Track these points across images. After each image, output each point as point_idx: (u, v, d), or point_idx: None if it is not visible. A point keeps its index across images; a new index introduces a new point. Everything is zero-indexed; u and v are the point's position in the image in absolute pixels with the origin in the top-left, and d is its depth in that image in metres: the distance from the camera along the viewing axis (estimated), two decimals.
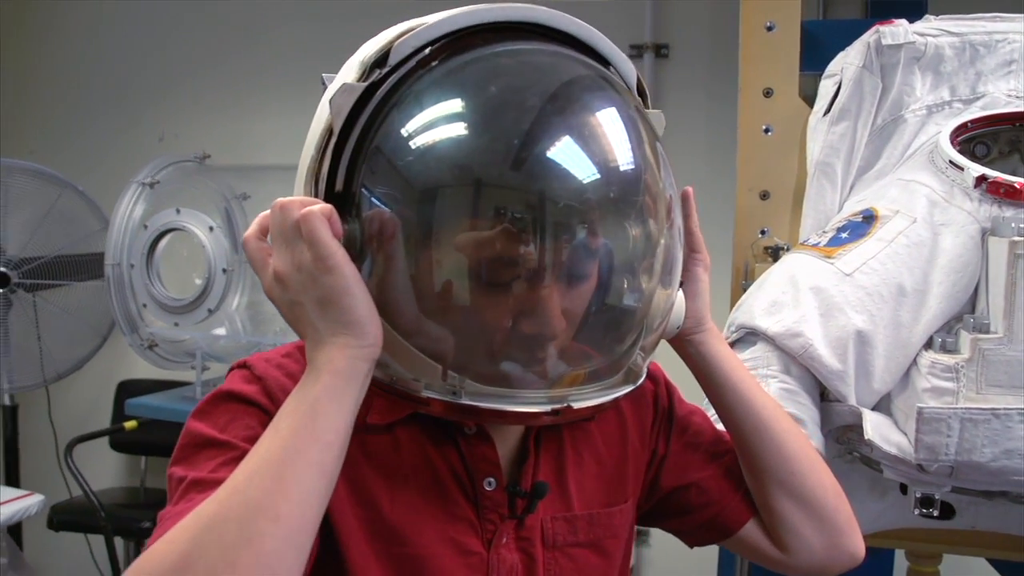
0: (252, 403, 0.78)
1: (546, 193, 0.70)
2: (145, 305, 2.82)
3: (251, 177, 3.06)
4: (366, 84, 0.72)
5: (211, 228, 2.75)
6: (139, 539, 3.39)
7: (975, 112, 1.30)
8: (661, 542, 3.13)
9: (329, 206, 0.69)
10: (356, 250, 0.70)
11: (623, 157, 0.74)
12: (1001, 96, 1.32)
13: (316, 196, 0.73)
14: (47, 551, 3.62)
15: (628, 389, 0.80)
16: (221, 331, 2.89)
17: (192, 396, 2.80)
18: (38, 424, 3.59)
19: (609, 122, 0.75)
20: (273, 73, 3.47)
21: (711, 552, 1.78)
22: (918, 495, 1.13)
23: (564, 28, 0.78)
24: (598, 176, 0.72)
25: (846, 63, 1.42)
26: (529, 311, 0.71)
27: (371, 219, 0.70)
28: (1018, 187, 1.10)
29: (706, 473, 0.98)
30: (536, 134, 0.70)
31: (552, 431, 0.90)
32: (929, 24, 1.39)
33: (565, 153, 0.71)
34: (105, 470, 3.72)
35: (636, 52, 3.01)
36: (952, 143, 1.24)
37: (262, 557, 0.61)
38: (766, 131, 1.62)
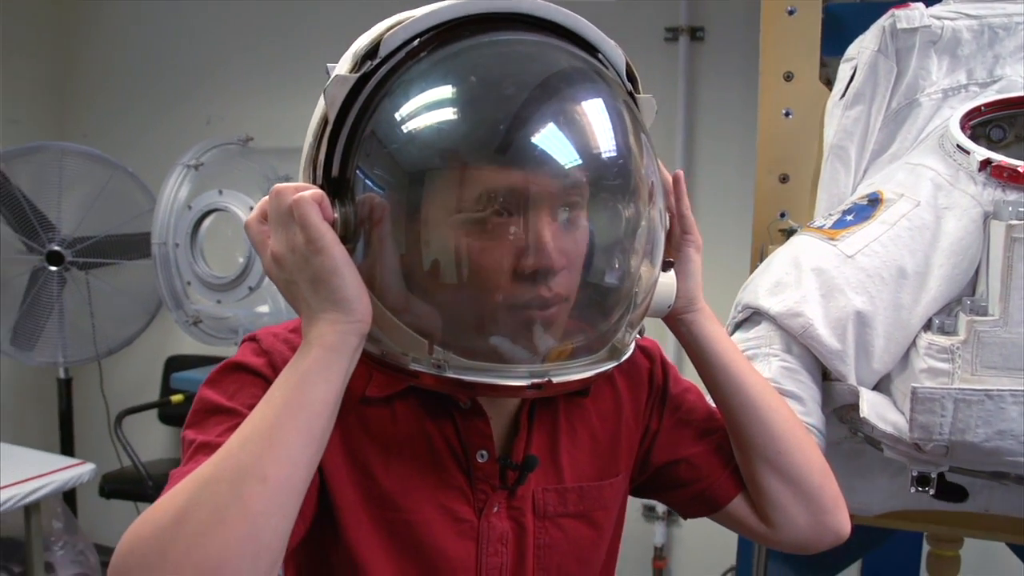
0: (258, 374, 0.84)
1: (528, 175, 0.73)
2: (189, 283, 2.91)
3: (292, 159, 3.08)
4: (358, 75, 0.76)
5: (251, 208, 2.82)
6: None
7: (989, 96, 1.30)
8: (692, 521, 3.15)
9: (320, 191, 0.74)
10: (351, 232, 0.75)
11: (603, 141, 0.78)
12: (1018, 79, 1.32)
13: (314, 182, 0.78)
14: (98, 517, 3.76)
15: (610, 365, 0.83)
16: (264, 308, 2.97)
17: None
18: (91, 397, 3.73)
19: (589, 108, 0.78)
20: (315, 57, 3.52)
21: (734, 534, 1.82)
22: (914, 473, 1.14)
23: (550, 17, 0.80)
24: (578, 159, 0.75)
25: (862, 47, 1.42)
26: (517, 281, 0.75)
27: (363, 202, 0.75)
28: (1021, 171, 1.10)
29: (696, 449, 1.01)
30: (518, 120, 0.74)
31: (546, 406, 0.93)
32: (947, 7, 1.38)
33: (546, 137, 0.74)
34: (153, 442, 3.84)
35: (671, 35, 3.01)
36: (964, 127, 1.24)
37: (249, 515, 0.66)
38: (786, 115, 1.63)
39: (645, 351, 1.03)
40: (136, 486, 3.38)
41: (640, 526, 3.19)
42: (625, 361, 0.86)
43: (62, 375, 3.62)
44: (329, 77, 0.83)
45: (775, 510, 0.96)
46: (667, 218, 0.90)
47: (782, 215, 1.63)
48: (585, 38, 0.83)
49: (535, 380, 0.77)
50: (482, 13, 0.78)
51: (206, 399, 0.83)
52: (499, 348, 0.77)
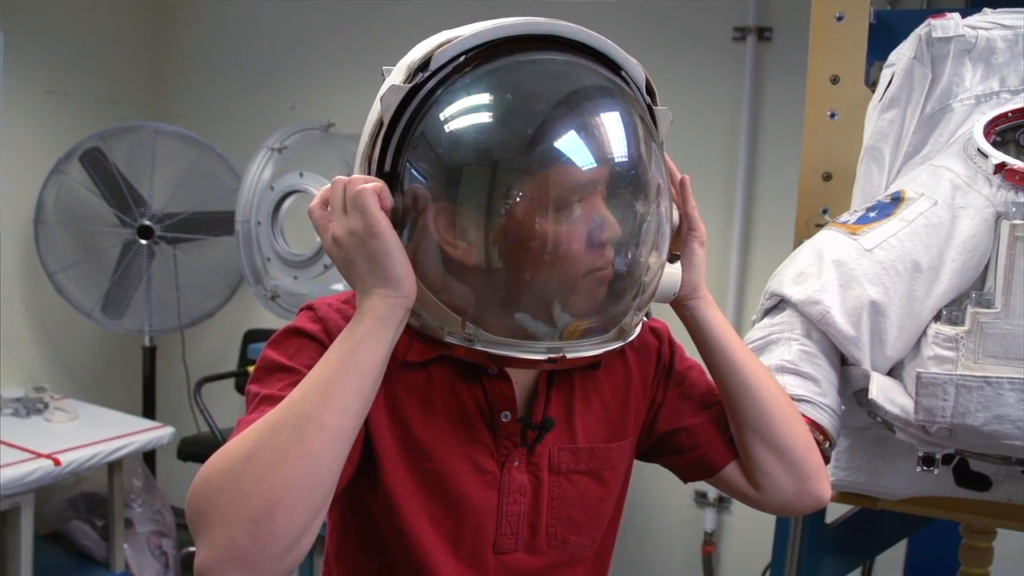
0: (314, 339, 0.96)
1: (551, 175, 0.85)
2: (269, 259, 3.08)
3: None
4: (410, 85, 0.88)
5: None
6: None
7: (1018, 102, 1.36)
8: (741, 509, 3.23)
9: (381, 183, 0.87)
10: (399, 219, 0.87)
11: (617, 149, 0.89)
12: None
13: (369, 175, 0.90)
14: (176, 479, 3.96)
15: (617, 345, 0.95)
16: (338, 286, 3.12)
17: None
18: (173, 365, 3.94)
19: (608, 120, 0.89)
20: (394, 47, 3.64)
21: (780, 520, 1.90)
22: (920, 454, 1.22)
23: (579, 39, 0.92)
24: (595, 162, 0.87)
25: (900, 54, 1.49)
26: (531, 271, 0.87)
27: (410, 194, 0.87)
28: None
29: (696, 420, 1.12)
30: (545, 129, 0.85)
31: (564, 377, 1.05)
32: (984, 17, 1.44)
33: (569, 143, 0.86)
34: (229, 410, 4.02)
35: (739, 35, 3.05)
36: (988, 132, 1.31)
37: (309, 455, 0.79)
38: (832, 116, 1.71)
39: (655, 331, 1.15)
40: (212, 450, 3.46)
41: (692, 512, 3.27)
42: (635, 340, 0.97)
43: (147, 343, 3.84)
44: (384, 79, 0.96)
45: (763, 476, 1.07)
46: (675, 215, 1.01)
47: (824, 211, 1.71)
48: (610, 57, 0.94)
49: (552, 355, 0.90)
50: (521, 35, 0.90)
51: (269, 358, 0.96)
52: (522, 325, 0.89)
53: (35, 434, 2.97)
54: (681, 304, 1.06)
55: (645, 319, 1.01)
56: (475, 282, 0.88)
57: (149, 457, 3.72)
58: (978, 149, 1.26)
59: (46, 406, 3.23)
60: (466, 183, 0.86)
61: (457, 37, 0.89)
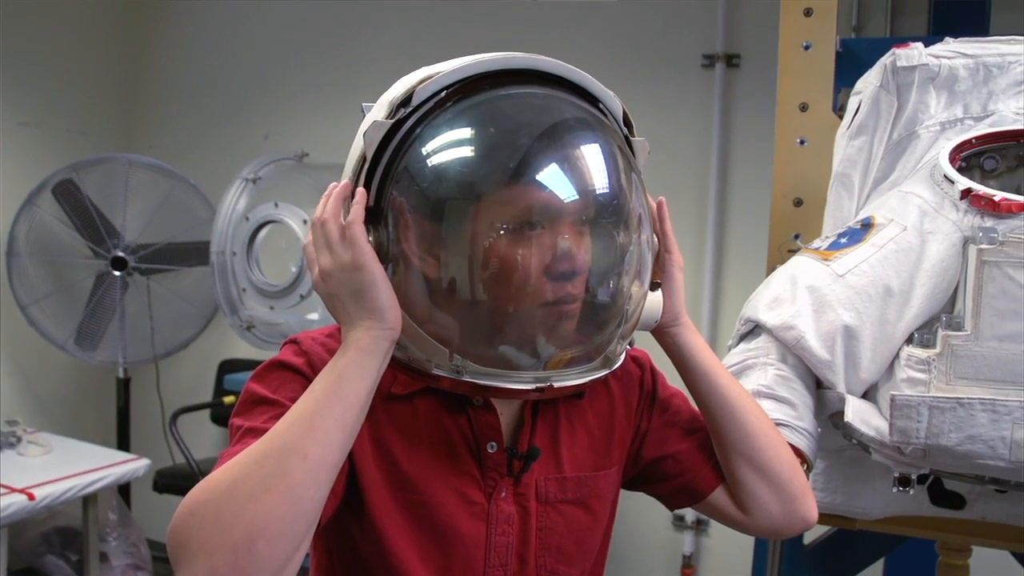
0: (298, 372, 0.97)
1: (533, 207, 0.87)
2: (245, 289, 3.08)
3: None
4: (392, 121, 0.89)
5: (305, 221, 3.00)
6: None
7: (981, 129, 1.40)
8: (719, 532, 3.25)
9: (362, 194, 0.88)
10: (384, 253, 0.89)
11: (598, 180, 0.91)
12: (1009, 114, 1.41)
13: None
14: (151, 511, 3.92)
15: (603, 373, 0.96)
16: (314, 316, 3.13)
17: None
18: (147, 396, 3.90)
19: (589, 151, 0.91)
20: (369, 77, 3.68)
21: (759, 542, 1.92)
22: (896, 474, 1.25)
23: (558, 73, 0.94)
24: (577, 195, 0.89)
25: (867, 82, 1.53)
26: (515, 303, 0.88)
27: (394, 228, 0.88)
28: (997, 200, 1.21)
29: (682, 447, 1.13)
30: (527, 162, 0.87)
31: (548, 406, 1.06)
32: (946, 46, 1.48)
33: (551, 176, 0.88)
34: (205, 441, 4.01)
35: (708, 62, 3.12)
36: (954, 158, 1.34)
37: (292, 486, 0.79)
38: (801, 143, 1.74)
39: (636, 360, 1.16)
40: (188, 482, 3.51)
41: (670, 535, 3.28)
42: (618, 369, 0.99)
43: (121, 375, 3.81)
44: (363, 115, 0.97)
45: (751, 499, 1.08)
46: (655, 243, 1.03)
47: (796, 237, 1.74)
48: (589, 91, 0.96)
49: (539, 384, 0.91)
50: (501, 69, 0.92)
51: (253, 392, 0.96)
52: (508, 356, 0.90)
53: (8, 468, 2.93)
54: (663, 331, 1.07)
55: (628, 347, 1.02)
56: (459, 314, 0.89)
57: (124, 489, 3.68)
58: (944, 175, 1.30)
59: (19, 440, 3.18)
60: (448, 216, 0.87)
61: (438, 73, 0.91)
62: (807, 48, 1.73)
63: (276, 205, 3.02)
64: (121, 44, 4.23)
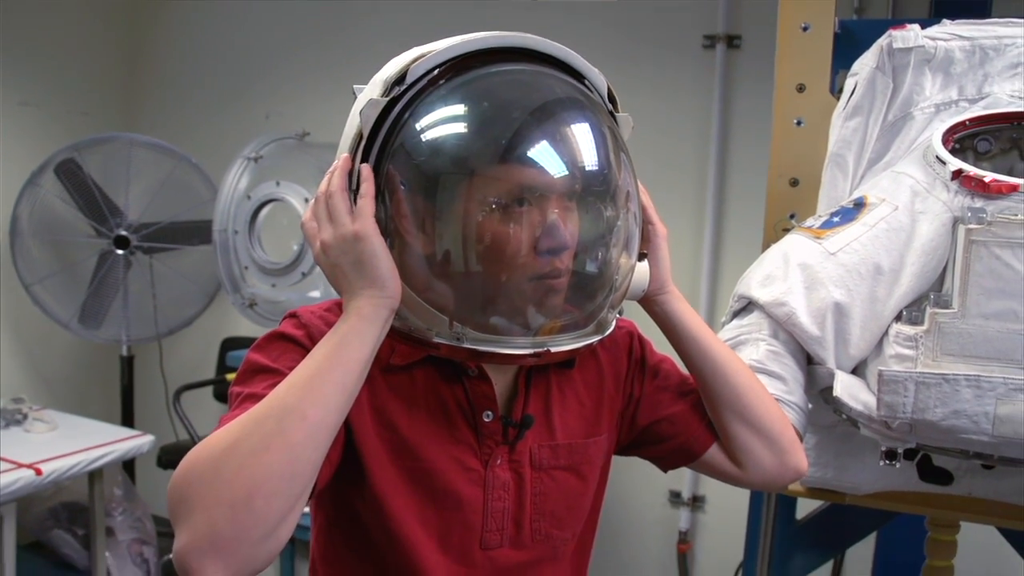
0: (298, 343, 0.99)
1: (524, 182, 0.89)
2: (247, 267, 3.10)
3: None
4: (387, 99, 0.92)
5: (307, 199, 3.01)
6: None
7: (975, 111, 1.42)
8: (715, 508, 3.29)
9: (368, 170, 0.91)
10: (382, 227, 0.91)
11: (588, 156, 0.94)
12: (1004, 96, 1.43)
13: (351, 188, 0.94)
14: (155, 486, 3.97)
15: (597, 338, 0.99)
16: (316, 293, 3.15)
17: None
18: (151, 374, 3.96)
19: (580, 127, 0.94)
20: (369, 56, 3.68)
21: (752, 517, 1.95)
22: (883, 448, 1.27)
23: (546, 51, 0.97)
24: (567, 171, 0.92)
25: (863, 64, 1.55)
26: (535, 258, 0.90)
27: (392, 201, 0.91)
28: (987, 181, 1.23)
29: (675, 409, 1.16)
30: (516, 137, 0.90)
31: (540, 375, 1.09)
32: (943, 28, 1.50)
33: (541, 151, 0.91)
34: (208, 418, 4.03)
35: (709, 43, 3.11)
36: (947, 140, 1.36)
37: (290, 445, 0.82)
38: (798, 123, 1.76)
39: (623, 330, 1.20)
40: None
41: (666, 511, 3.32)
42: (606, 338, 1.01)
43: (124, 352, 3.85)
44: (355, 96, 1.00)
45: (744, 454, 1.12)
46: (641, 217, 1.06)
47: (791, 216, 1.76)
48: (575, 67, 0.99)
49: (536, 349, 0.94)
50: (491, 48, 0.94)
51: (253, 361, 0.99)
52: (504, 324, 0.93)
53: (15, 445, 2.96)
54: (651, 300, 1.10)
55: (618, 316, 1.05)
56: (456, 284, 0.92)
57: (128, 465, 3.72)
58: (937, 156, 1.32)
59: (25, 417, 3.22)
60: (443, 188, 0.90)
61: (430, 51, 0.93)
62: (805, 29, 1.74)
63: (278, 184, 3.04)
64: (122, 24, 4.23)
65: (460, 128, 0.92)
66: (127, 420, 3.86)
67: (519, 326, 0.94)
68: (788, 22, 1.76)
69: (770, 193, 1.78)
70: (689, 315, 1.12)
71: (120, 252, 3.59)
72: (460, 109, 0.92)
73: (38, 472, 2.75)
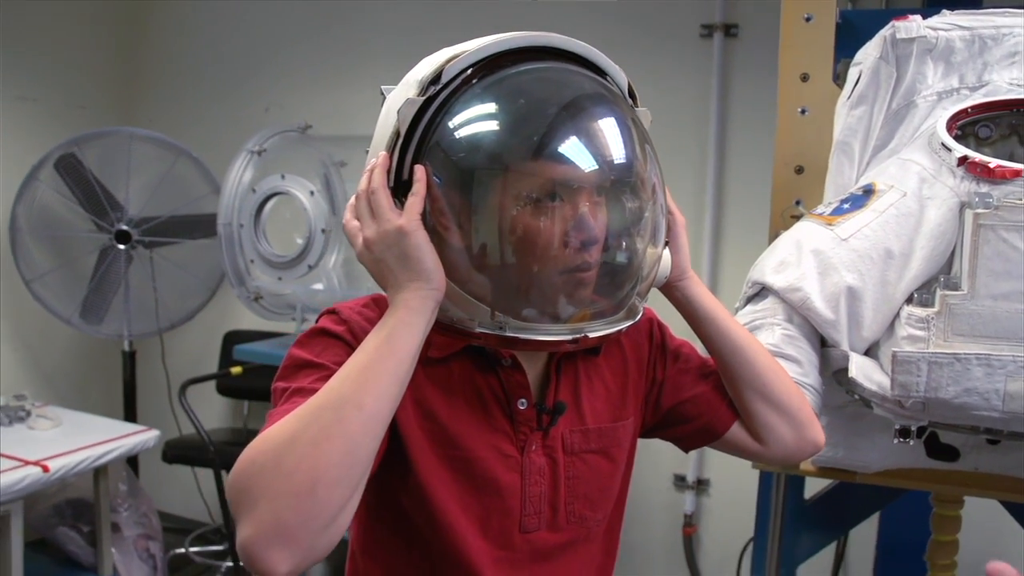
0: (340, 338, 1.02)
1: (557, 178, 0.93)
2: (252, 261, 3.12)
3: (347, 146, 3.32)
4: (424, 98, 0.95)
5: (312, 192, 3.03)
6: None
7: (976, 99, 1.46)
8: (719, 491, 3.35)
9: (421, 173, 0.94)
10: (424, 222, 0.94)
11: (616, 149, 0.98)
12: (1003, 84, 1.48)
13: (390, 185, 0.97)
14: (160, 481, 4.01)
15: (629, 323, 1.03)
16: (319, 286, 3.17)
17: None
18: (153, 369, 3.97)
19: (606, 123, 0.98)
20: (369, 48, 3.72)
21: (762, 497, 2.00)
22: (897, 427, 1.32)
23: (572, 49, 1.00)
24: (597, 164, 0.95)
25: (866, 53, 1.59)
26: (567, 251, 0.94)
27: (432, 198, 0.94)
28: (992, 167, 1.27)
29: (698, 390, 1.20)
30: (551, 133, 0.94)
31: (568, 363, 1.13)
32: (943, 19, 1.54)
33: (573, 147, 0.94)
34: (211, 412, 4.08)
35: (707, 32, 3.16)
36: (950, 127, 1.41)
37: (349, 434, 0.85)
38: (802, 112, 1.80)
39: (644, 316, 1.23)
40: (197, 452, 3.59)
41: (671, 495, 3.37)
42: (633, 324, 1.05)
43: (127, 348, 3.85)
44: (383, 96, 1.04)
45: (765, 430, 1.16)
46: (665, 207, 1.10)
47: (797, 203, 1.80)
48: (599, 65, 1.02)
49: (575, 335, 0.97)
50: (521, 47, 0.98)
51: (296, 357, 1.01)
52: (545, 311, 0.97)
53: (20, 442, 2.97)
54: (672, 286, 1.14)
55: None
56: (496, 276, 0.95)
57: (131, 461, 3.73)
58: (942, 143, 1.36)
59: (28, 414, 3.23)
60: (483, 183, 0.94)
61: (464, 52, 0.97)
62: (808, 20, 1.78)
63: (283, 177, 3.05)
64: (119, 17, 4.23)
65: (497, 125, 0.96)
66: (130, 415, 3.87)
67: (556, 314, 0.97)
68: (791, 13, 1.80)
69: (776, 181, 1.82)
70: (709, 299, 1.16)
71: (121, 247, 3.59)
72: (496, 107, 0.96)
73: (45, 469, 2.76)
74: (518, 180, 0.93)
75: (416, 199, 0.93)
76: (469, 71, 0.97)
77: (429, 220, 0.95)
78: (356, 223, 0.98)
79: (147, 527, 3.56)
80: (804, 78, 1.80)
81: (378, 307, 1.06)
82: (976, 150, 1.39)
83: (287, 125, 3.30)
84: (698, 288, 1.15)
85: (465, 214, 0.94)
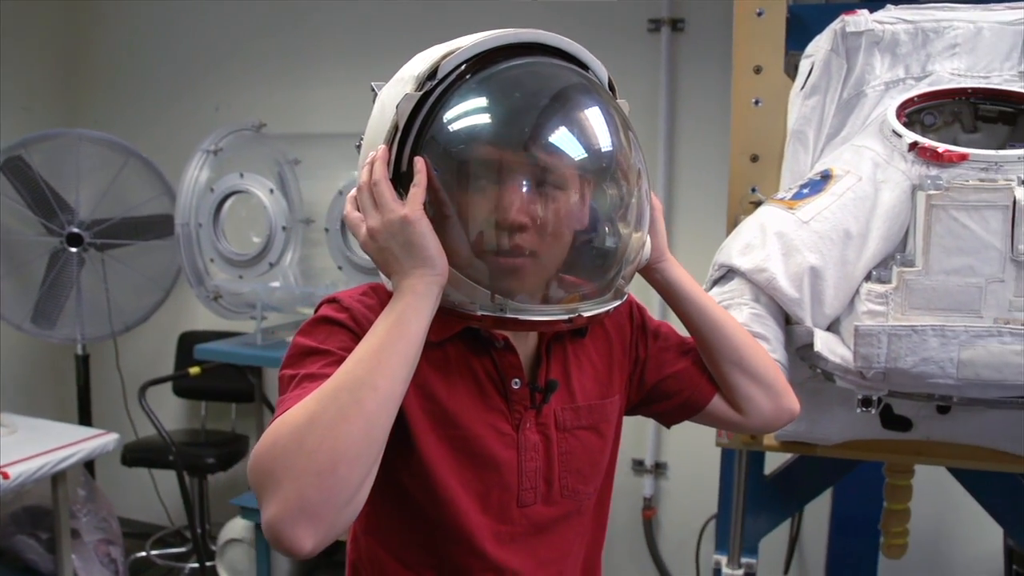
0: (344, 326, 1.06)
1: (547, 164, 0.99)
2: (212, 260, 3.11)
3: (301, 144, 3.34)
4: (421, 93, 1.00)
5: (271, 190, 3.05)
6: (203, 474, 3.72)
7: (921, 88, 1.55)
8: (677, 474, 3.44)
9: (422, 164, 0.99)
10: (425, 211, 0.99)
11: (602, 137, 1.04)
12: (946, 74, 1.58)
13: (392, 177, 1.01)
14: (118, 485, 3.97)
15: (617, 303, 1.09)
16: (277, 284, 3.18)
17: (253, 343, 3.11)
18: (107, 372, 3.90)
19: (593, 112, 1.04)
20: (320, 47, 3.74)
21: (716, 484, 2.08)
22: (859, 397, 1.41)
23: (558, 45, 1.06)
24: (585, 151, 1.01)
25: (818, 46, 1.68)
26: (538, 241, 1.00)
27: (432, 188, 0.99)
28: (940, 152, 1.37)
29: (679, 366, 1.27)
30: (540, 124, 0.99)
31: (558, 345, 1.19)
32: (888, 13, 1.64)
33: (561, 136, 1.00)
34: (167, 413, 4.03)
35: (654, 26, 3.24)
36: (899, 115, 1.50)
37: (366, 414, 0.90)
38: (756, 103, 1.88)
39: None
40: (156, 454, 3.60)
41: (630, 480, 3.45)
42: (621, 304, 1.11)
43: (80, 352, 3.80)
44: (374, 92, 1.09)
45: (745, 401, 1.24)
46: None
47: (753, 190, 1.88)
48: (581, 60, 1.08)
49: (569, 315, 1.03)
50: (512, 43, 1.03)
51: (301, 345, 1.05)
52: (545, 293, 1.03)
53: None
54: (651, 268, 1.21)
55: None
56: (492, 261, 1.00)
57: (88, 465, 3.69)
58: (893, 130, 1.45)
59: None
60: (478, 172, 0.99)
61: (458, 48, 1.02)
62: (760, 15, 1.86)
63: (242, 175, 3.05)
64: (61, 18, 4.17)
65: (491, 117, 1.01)
66: (84, 419, 3.82)
67: (556, 294, 1.03)
68: (744, 8, 1.88)
69: (733, 169, 1.89)
70: (687, 279, 1.22)
71: (73, 250, 3.56)
72: (490, 100, 1.01)
73: (5, 476, 2.71)
74: (512, 168, 0.98)
75: (418, 189, 0.97)
76: (463, 67, 1.01)
77: (430, 209, 0.99)
78: (358, 214, 1.02)
79: (107, 532, 3.53)
80: (757, 70, 1.88)
81: (376, 295, 1.11)
82: (923, 136, 1.48)
83: (241, 124, 3.29)
84: (677, 270, 1.22)
85: (464, 202, 0.99)
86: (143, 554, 3.86)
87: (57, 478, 3.09)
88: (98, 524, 3.53)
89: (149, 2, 4.11)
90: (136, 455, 3.65)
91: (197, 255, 3.11)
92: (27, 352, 4.06)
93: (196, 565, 3.63)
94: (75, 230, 3.56)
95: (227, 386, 3.83)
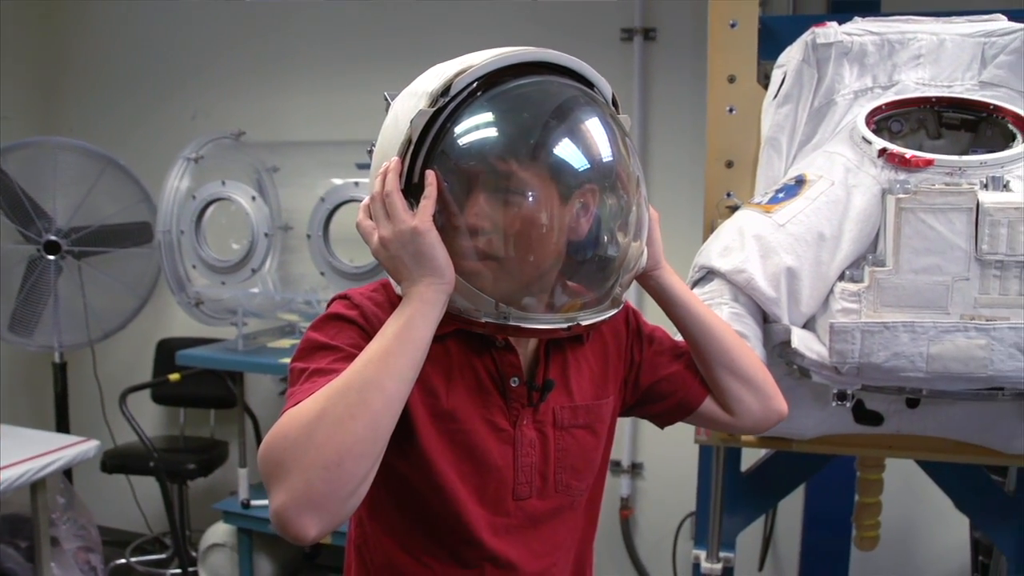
0: (353, 322, 1.11)
1: (554, 177, 1.04)
2: (194, 266, 3.14)
3: (279, 151, 3.38)
4: (434, 109, 1.05)
5: (253, 198, 3.08)
6: (183, 480, 3.72)
7: (888, 97, 1.63)
8: (653, 474, 3.51)
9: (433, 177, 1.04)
10: (435, 221, 1.04)
11: (606, 152, 1.09)
12: (911, 84, 1.66)
13: (402, 187, 1.05)
14: (97, 492, 3.94)
15: (614, 311, 1.15)
16: (255, 289, 3.21)
17: (235, 348, 3.13)
18: (85, 379, 3.90)
19: (597, 128, 1.09)
20: (297, 56, 3.77)
21: (691, 484, 2.14)
22: (835, 391, 1.48)
23: (565, 64, 1.11)
24: (589, 164, 1.07)
25: (790, 56, 1.75)
26: (540, 251, 1.05)
27: (442, 200, 1.04)
28: (908, 157, 1.44)
29: (672, 369, 1.32)
30: (547, 139, 1.05)
31: (557, 346, 1.24)
32: (856, 25, 1.72)
33: (567, 150, 1.06)
34: (146, 420, 4.01)
35: (627, 35, 3.31)
36: (868, 122, 1.57)
37: (372, 413, 0.95)
38: (730, 111, 1.95)
39: None
40: (136, 461, 3.60)
41: (607, 480, 3.49)
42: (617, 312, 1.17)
43: (57, 359, 3.80)
44: (387, 102, 1.14)
45: (735, 402, 1.29)
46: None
47: (728, 195, 1.95)
48: (587, 77, 1.13)
49: (568, 323, 1.09)
50: (521, 63, 1.08)
51: (313, 339, 1.10)
52: (545, 302, 1.08)
53: None
54: (647, 276, 1.26)
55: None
56: (499, 271, 1.06)
57: (66, 473, 3.68)
58: (863, 137, 1.53)
59: None
60: (487, 187, 1.04)
61: (470, 67, 1.06)
62: (733, 26, 1.93)
63: (223, 183, 3.09)
64: (38, 26, 4.17)
65: (504, 133, 1.06)
66: (62, 427, 3.81)
67: (560, 302, 1.09)
68: (718, 19, 1.95)
69: (708, 175, 1.96)
70: (681, 286, 1.28)
71: (51, 258, 3.56)
72: (500, 117, 1.06)
73: None
74: (518, 183, 1.03)
75: (429, 202, 1.02)
76: (475, 84, 1.06)
77: (439, 220, 1.04)
78: (370, 223, 1.07)
79: (87, 539, 3.51)
80: (731, 79, 1.94)
81: (386, 292, 1.15)
82: (891, 142, 1.55)
83: (221, 132, 3.32)
84: (672, 277, 1.27)
85: (471, 214, 1.04)
86: (123, 561, 3.86)
87: (36, 486, 3.07)
88: (77, 532, 3.51)
89: (126, 10, 4.12)
90: (116, 462, 3.65)
91: (179, 262, 3.13)
92: (4, 360, 4.04)
93: (178, 571, 3.63)
94: (52, 238, 3.56)
95: (206, 392, 3.84)
